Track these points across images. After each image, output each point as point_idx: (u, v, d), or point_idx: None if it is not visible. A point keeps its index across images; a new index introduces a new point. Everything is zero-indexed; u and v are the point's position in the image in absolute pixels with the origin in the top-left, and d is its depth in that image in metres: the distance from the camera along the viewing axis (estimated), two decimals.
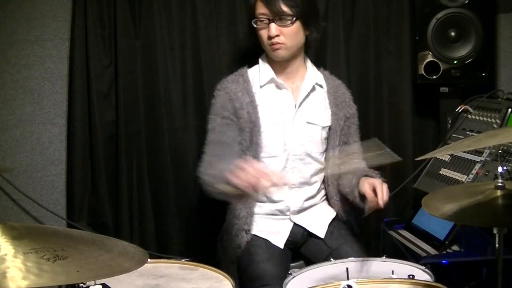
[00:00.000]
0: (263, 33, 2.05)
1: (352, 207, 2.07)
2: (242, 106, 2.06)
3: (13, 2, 2.41)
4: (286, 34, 2.03)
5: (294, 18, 2.02)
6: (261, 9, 2.03)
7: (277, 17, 2.01)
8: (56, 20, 2.47)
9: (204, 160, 2.00)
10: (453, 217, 1.42)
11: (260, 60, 2.17)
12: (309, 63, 2.19)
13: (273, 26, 2.02)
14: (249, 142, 2.06)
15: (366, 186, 1.86)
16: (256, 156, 2.05)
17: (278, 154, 2.08)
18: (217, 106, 2.09)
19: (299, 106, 2.10)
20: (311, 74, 2.16)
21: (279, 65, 2.12)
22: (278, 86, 2.12)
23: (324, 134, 2.14)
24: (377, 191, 1.82)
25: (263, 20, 2.04)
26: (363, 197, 1.91)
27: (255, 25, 2.06)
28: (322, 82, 2.19)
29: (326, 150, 2.16)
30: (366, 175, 1.95)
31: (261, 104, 2.09)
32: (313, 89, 2.14)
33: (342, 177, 2.08)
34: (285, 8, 2.01)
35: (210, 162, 1.96)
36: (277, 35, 2.02)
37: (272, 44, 2.04)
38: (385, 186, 1.84)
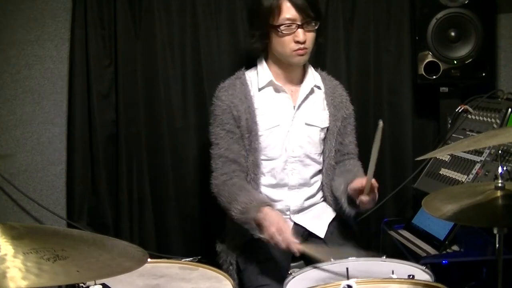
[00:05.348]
0: (288, 39, 2.01)
1: (351, 207, 2.07)
2: (240, 114, 2.05)
3: (13, 2, 2.41)
4: (310, 39, 2.02)
5: (318, 23, 2.02)
6: (289, 14, 1.98)
7: (306, 22, 1.99)
8: (56, 20, 2.47)
9: (217, 180, 2.04)
10: (453, 217, 1.42)
11: (258, 63, 2.15)
12: (308, 66, 2.18)
13: (301, 31, 1.99)
14: (248, 147, 2.06)
15: (353, 183, 1.90)
16: (256, 160, 2.05)
17: (277, 157, 2.08)
18: (218, 117, 2.07)
19: (298, 108, 2.10)
20: (310, 77, 2.15)
21: (281, 69, 2.11)
22: (277, 89, 2.11)
23: (322, 135, 2.14)
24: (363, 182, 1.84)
25: (290, 26, 1.99)
26: (351, 201, 1.95)
27: (282, 31, 1.99)
28: (320, 83, 2.18)
29: (323, 151, 2.17)
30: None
31: (259, 108, 2.08)
32: (312, 91, 2.14)
33: (335, 179, 2.10)
34: (313, 13, 1.99)
35: (229, 191, 1.99)
36: (305, 41, 2.00)
37: (299, 49, 2.01)
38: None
